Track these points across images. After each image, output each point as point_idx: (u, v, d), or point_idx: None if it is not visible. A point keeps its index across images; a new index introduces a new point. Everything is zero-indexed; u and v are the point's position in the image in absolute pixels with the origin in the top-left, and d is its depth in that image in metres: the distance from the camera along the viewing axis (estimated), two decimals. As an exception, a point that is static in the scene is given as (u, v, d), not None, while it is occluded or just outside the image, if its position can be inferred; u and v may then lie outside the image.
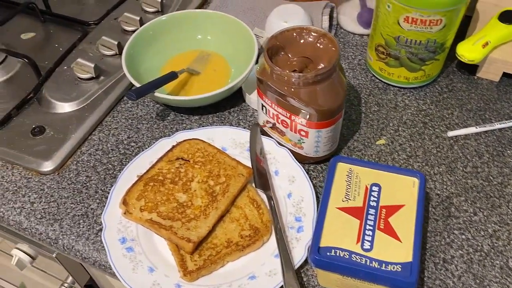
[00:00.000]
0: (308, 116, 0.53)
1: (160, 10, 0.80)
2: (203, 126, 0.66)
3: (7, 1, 0.84)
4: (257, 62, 0.69)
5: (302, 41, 0.55)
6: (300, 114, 0.53)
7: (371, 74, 0.71)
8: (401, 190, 0.48)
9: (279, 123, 0.57)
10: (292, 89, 0.51)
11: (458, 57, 0.66)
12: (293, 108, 0.53)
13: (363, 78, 0.71)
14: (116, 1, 0.83)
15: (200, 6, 0.84)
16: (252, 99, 0.67)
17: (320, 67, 0.53)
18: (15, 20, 0.79)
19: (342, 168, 0.50)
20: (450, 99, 0.68)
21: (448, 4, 0.56)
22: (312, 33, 0.54)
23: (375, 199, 0.47)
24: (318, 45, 0.54)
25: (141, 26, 0.75)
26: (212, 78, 0.71)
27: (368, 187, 0.48)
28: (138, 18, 0.76)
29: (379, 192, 0.48)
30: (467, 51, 0.65)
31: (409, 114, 0.66)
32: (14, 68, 0.73)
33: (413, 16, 0.58)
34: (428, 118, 0.65)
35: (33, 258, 0.75)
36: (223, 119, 0.67)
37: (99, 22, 0.79)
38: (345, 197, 0.48)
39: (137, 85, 0.62)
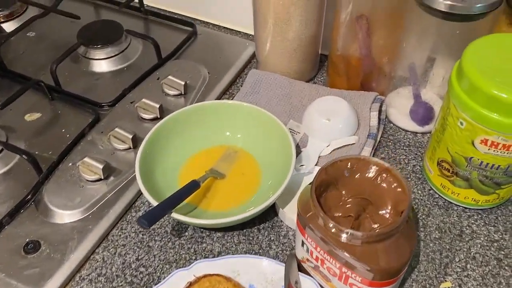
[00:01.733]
0: (364, 274, 0.41)
1: (183, 93, 0.71)
2: (226, 248, 0.55)
3: (14, 73, 0.76)
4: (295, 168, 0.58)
5: (358, 175, 0.44)
6: (353, 269, 0.42)
7: (429, 186, 0.60)
8: None
9: (323, 268, 0.46)
10: (343, 243, 0.40)
11: (541, 179, 0.54)
12: (344, 261, 0.42)
13: (419, 191, 0.60)
14: (134, 78, 0.74)
15: (228, 88, 0.74)
16: (287, 215, 0.56)
17: (382, 212, 0.42)
18: (20, 97, 0.70)
19: None
20: (528, 227, 0.56)
21: (541, 130, 0.45)
22: (372, 167, 0.43)
23: None
24: (379, 182, 0.43)
25: (160, 114, 0.66)
26: (240, 184, 0.60)
27: None
28: (158, 106, 0.66)
29: None
30: (554, 174, 0.53)
31: (479, 245, 0.54)
32: (12, 160, 0.64)
33: (494, 140, 0.47)
34: (502, 253, 0.53)
35: None
36: (251, 238, 0.56)
37: (114, 105, 0.70)
38: None
39: (154, 203, 0.52)
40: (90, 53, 0.78)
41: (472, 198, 0.55)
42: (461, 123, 0.49)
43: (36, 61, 0.79)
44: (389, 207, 0.42)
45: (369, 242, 0.39)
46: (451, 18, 0.53)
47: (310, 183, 0.43)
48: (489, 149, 0.48)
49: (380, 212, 0.42)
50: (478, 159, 0.50)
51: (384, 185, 0.43)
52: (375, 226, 0.41)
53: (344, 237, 0.39)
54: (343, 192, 0.43)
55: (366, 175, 0.43)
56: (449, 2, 0.51)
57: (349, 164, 0.43)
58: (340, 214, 0.42)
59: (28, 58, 0.80)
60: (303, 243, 0.47)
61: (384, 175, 0.43)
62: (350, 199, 0.43)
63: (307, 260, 0.48)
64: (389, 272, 0.41)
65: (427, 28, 0.56)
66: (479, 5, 0.51)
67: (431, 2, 0.52)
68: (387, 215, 0.42)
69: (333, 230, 0.39)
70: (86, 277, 0.53)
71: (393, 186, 0.42)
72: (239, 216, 0.51)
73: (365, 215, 0.42)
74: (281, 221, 0.57)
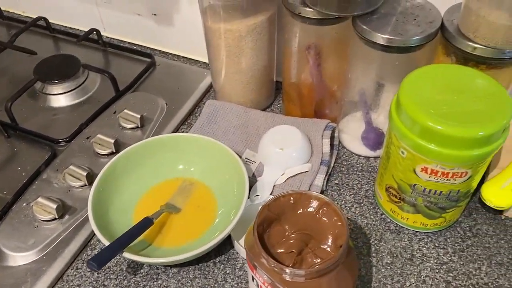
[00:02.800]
0: (309, 308, 0.42)
1: (139, 126, 0.71)
2: (181, 284, 0.55)
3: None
4: (248, 197, 0.59)
5: (300, 210, 0.45)
6: (298, 303, 0.42)
7: (381, 211, 0.61)
8: None
9: (273, 303, 0.46)
10: (288, 281, 0.41)
11: (484, 201, 0.56)
12: (290, 296, 0.42)
13: (372, 216, 0.61)
14: (92, 110, 0.74)
15: (186, 119, 0.75)
16: (242, 247, 0.56)
17: (323, 245, 0.43)
18: (-25, 136, 0.70)
19: None
20: (475, 248, 0.57)
21: (475, 159, 0.47)
22: (313, 201, 0.44)
23: None
24: (320, 216, 0.44)
25: (116, 148, 0.67)
26: (195, 217, 0.60)
27: None
28: (113, 141, 0.67)
29: None
30: (495, 196, 0.56)
31: (429, 268, 0.56)
32: (-35, 202, 0.63)
33: (433, 168, 0.49)
34: (451, 275, 0.55)
35: None
36: (206, 273, 0.56)
37: (70, 140, 0.70)
38: None
39: (105, 242, 0.52)
40: (47, 88, 0.78)
41: (421, 222, 0.57)
42: (402, 152, 0.51)
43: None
44: (330, 241, 0.43)
45: (312, 278, 0.40)
46: (390, 50, 0.55)
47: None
48: (429, 177, 0.50)
49: (322, 246, 0.43)
50: (421, 186, 0.52)
51: (325, 219, 0.44)
52: (317, 260, 0.42)
53: (286, 275, 0.40)
54: (287, 227, 0.44)
55: (308, 209, 0.44)
56: (387, 36, 0.53)
57: (292, 199, 0.44)
58: (283, 250, 0.43)
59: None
60: (253, 278, 0.47)
61: (324, 208, 0.44)
62: (293, 234, 0.43)
63: (259, 293, 0.49)
64: (333, 305, 0.41)
65: (371, 58, 0.58)
66: (415, 37, 0.53)
67: (371, 36, 0.54)
68: (329, 249, 0.43)
69: (275, 269, 0.40)
70: (39, 321, 0.53)
71: (333, 220, 0.43)
72: (191, 253, 0.51)
73: (307, 250, 0.43)
74: (237, 253, 0.58)
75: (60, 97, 0.78)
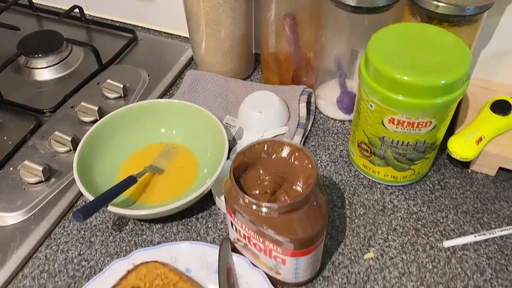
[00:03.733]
0: (283, 245, 0.45)
1: (123, 96, 0.73)
2: (165, 238, 0.58)
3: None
4: (228, 157, 0.62)
5: (274, 156, 0.47)
6: (275, 242, 0.45)
7: (354, 168, 0.65)
8: None
9: (251, 245, 0.49)
10: (263, 217, 0.44)
11: (450, 154, 0.60)
12: (266, 235, 0.45)
13: (346, 173, 0.64)
14: (75, 83, 0.76)
15: (167, 90, 0.77)
16: (223, 203, 0.59)
17: (295, 187, 0.46)
18: (-39, 109, 0.72)
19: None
20: (443, 199, 0.61)
21: (438, 107, 0.50)
22: (285, 147, 0.47)
23: None
24: (293, 160, 0.47)
25: (100, 116, 0.69)
26: (178, 178, 0.63)
27: None
28: (96, 108, 0.69)
29: None
30: (460, 148, 0.59)
31: (399, 218, 0.59)
32: (-47, 169, 0.65)
33: (399, 118, 0.52)
34: (420, 223, 0.58)
35: None
36: (189, 227, 0.59)
37: (55, 110, 0.72)
38: None
39: (90, 198, 0.54)
40: (31, 62, 0.79)
41: (391, 175, 0.60)
42: (371, 106, 0.54)
43: (-23, 73, 0.80)
44: (301, 182, 0.46)
45: (284, 213, 0.43)
46: (359, 11, 0.58)
47: (232, 166, 0.46)
48: (396, 127, 0.53)
49: (294, 187, 0.46)
50: (390, 138, 0.55)
51: (297, 163, 0.47)
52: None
53: (261, 210, 0.43)
54: (261, 171, 0.47)
55: (281, 155, 0.47)
56: (356, -3, 0.56)
57: (266, 146, 0.47)
58: (258, 192, 0.45)
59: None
60: (232, 224, 0.50)
61: (296, 154, 0.47)
62: (267, 177, 0.46)
63: (238, 240, 0.51)
64: (306, 240, 0.44)
65: (342, 21, 0.61)
66: (383, -2, 0.56)
67: (340, -2, 0.57)
68: (300, 189, 0.45)
69: (250, 204, 0.43)
70: (28, 274, 0.55)
71: (304, 163, 0.46)
72: (174, 205, 0.54)
73: (281, 191, 0.46)
74: (218, 209, 0.61)
75: (44, 71, 0.79)
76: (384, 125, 0.54)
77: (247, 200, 0.42)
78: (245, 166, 0.47)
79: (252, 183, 0.46)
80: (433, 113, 0.51)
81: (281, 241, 0.44)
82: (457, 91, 0.50)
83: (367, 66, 0.53)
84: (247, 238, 0.49)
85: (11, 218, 0.59)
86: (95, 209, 0.53)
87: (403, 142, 0.55)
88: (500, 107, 0.61)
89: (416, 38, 0.53)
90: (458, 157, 0.59)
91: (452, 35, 0.53)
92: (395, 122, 0.53)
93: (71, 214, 0.60)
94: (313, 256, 0.47)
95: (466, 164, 0.64)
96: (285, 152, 0.47)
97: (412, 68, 0.49)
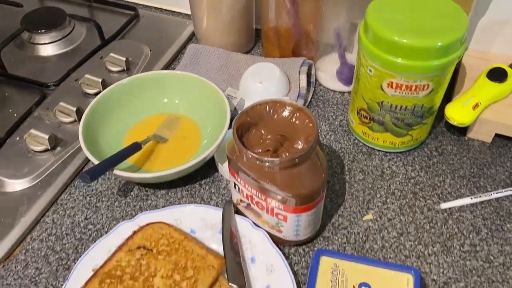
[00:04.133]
0: (285, 201, 0.46)
1: (125, 69, 0.75)
2: (170, 202, 0.59)
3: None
4: (230, 127, 0.63)
5: (276, 116, 0.49)
6: (276, 197, 0.47)
7: (354, 136, 0.66)
8: (394, 290, 0.42)
9: (253, 204, 0.51)
10: (266, 173, 0.45)
11: (447, 120, 0.61)
12: (268, 191, 0.47)
13: (345, 142, 0.65)
14: (78, 58, 0.77)
15: (169, 64, 0.78)
16: (225, 169, 0.60)
17: (296, 145, 0.47)
18: (-34, 83, 0.73)
19: (326, 264, 0.44)
20: (440, 164, 0.62)
21: (435, 69, 0.51)
22: (287, 107, 0.48)
23: (365, 304, 0.41)
24: (294, 120, 0.48)
25: (103, 88, 0.70)
26: (181, 146, 0.64)
27: (356, 287, 0.42)
28: (100, 80, 0.70)
29: (369, 294, 0.41)
30: (457, 113, 0.60)
31: (397, 183, 0.60)
32: (-40, 139, 0.66)
33: (398, 82, 0.53)
34: (418, 187, 0.60)
35: None
36: (193, 193, 0.60)
37: (59, 84, 0.73)
38: (330, 302, 0.41)
39: (95, 161, 0.55)
40: (34, 38, 0.80)
41: (390, 141, 0.61)
42: (370, 70, 0.55)
43: (-19, 50, 0.81)
44: (302, 141, 0.47)
45: (286, 168, 0.44)
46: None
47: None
48: (395, 91, 0.54)
49: (295, 146, 0.47)
50: (388, 102, 0.56)
51: (298, 122, 0.48)
52: (291, 157, 0.46)
53: (264, 165, 0.44)
54: (263, 131, 0.48)
55: (283, 115, 0.49)
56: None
57: (268, 106, 0.49)
58: (260, 150, 0.47)
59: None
60: (235, 185, 0.52)
61: (297, 113, 0.48)
62: (269, 137, 0.48)
63: (241, 201, 0.53)
64: (307, 195, 0.46)
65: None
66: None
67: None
68: (301, 148, 0.47)
69: (253, 160, 0.44)
70: (37, 237, 0.56)
71: (305, 123, 0.47)
72: (178, 168, 0.55)
73: (282, 149, 0.47)
74: (221, 176, 0.62)
75: (47, 47, 0.80)
76: (383, 90, 0.55)
77: (250, 156, 0.44)
78: (247, 126, 0.48)
79: (255, 142, 0.48)
80: (430, 76, 0.52)
81: (283, 197, 0.46)
82: (453, 54, 0.51)
83: (366, 31, 0.54)
84: (249, 198, 0.50)
85: (19, 185, 0.60)
86: (101, 172, 0.54)
87: (401, 106, 0.56)
88: (496, 74, 0.62)
89: (414, 3, 0.54)
90: (455, 123, 0.60)
91: (449, 0, 0.54)
92: (394, 86, 0.54)
93: (78, 176, 0.61)
94: (313, 213, 0.49)
95: (463, 132, 0.65)
96: (286, 112, 0.48)
97: (410, 31, 0.51)
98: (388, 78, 0.54)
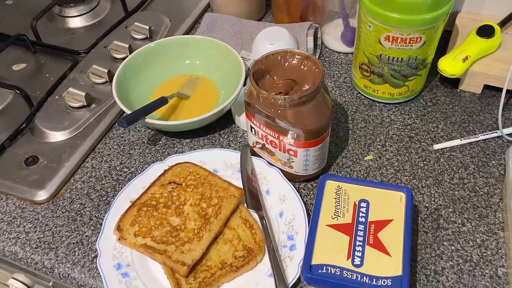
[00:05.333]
0: (295, 136, 0.54)
1: (149, 37, 0.82)
2: (194, 149, 0.67)
3: (-2, 33, 0.86)
4: (245, 84, 0.71)
5: (286, 64, 0.56)
6: (287, 134, 0.54)
7: (356, 91, 0.73)
8: (389, 205, 0.49)
9: (268, 144, 0.58)
10: (279, 111, 0.53)
11: (440, 72, 0.68)
12: (281, 129, 0.54)
13: (349, 96, 0.73)
14: (105, 29, 0.85)
15: (187, 32, 0.86)
16: (242, 120, 0.68)
17: (305, 88, 0.55)
18: (7, 52, 0.81)
19: (331, 186, 0.51)
20: (434, 113, 0.69)
21: (426, 22, 0.58)
22: (296, 56, 0.56)
23: (364, 215, 0.48)
24: (302, 67, 0.56)
25: (130, 53, 0.77)
26: (202, 102, 0.72)
27: (357, 203, 0.50)
28: (127, 46, 0.78)
29: (367, 208, 0.49)
30: (448, 66, 0.67)
31: (395, 129, 0.68)
32: (6, 99, 0.74)
33: (394, 35, 0.60)
34: (414, 132, 0.67)
35: (29, 287, 0.75)
36: (214, 141, 0.68)
37: (89, 51, 0.81)
38: (335, 214, 0.49)
39: (128, 112, 0.63)
40: (64, 11, 0.88)
41: (389, 93, 0.69)
42: (369, 26, 0.62)
43: (16, 24, 0.89)
44: (310, 84, 0.54)
45: (294, 106, 0.52)
46: None
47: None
48: (392, 44, 0.62)
49: (303, 89, 0.55)
50: (386, 55, 0.63)
51: (306, 68, 0.55)
52: (301, 98, 0.54)
53: (277, 102, 0.51)
54: (275, 78, 0.56)
55: (293, 62, 0.56)
56: None
57: (279, 56, 0.56)
58: (273, 93, 0.54)
59: (8, 22, 0.90)
60: (251, 128, 0.59)
61: (305, 61, 0.55)
62: (281, 82, 0.55)
63: (256, 143, 0.61)
64: (314, 131, 0.53)
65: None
66: None
67: None
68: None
69: (267, 99, 0.52)
70: (79, 179, 0.65)
71: (312, 69, 0.55)
72: (201, 116, 0.63)
73: (292, 91, 0.55)
74: (238, 126, 0.70)
75: (76, 19, 0.88)
76: (381, 43, 0.62)
77: (265, 95, 0.51)
78: (262, 73, 0.56)
79: (268, 86, 0.55)
80: (422, 29, 0.59)
81: (293, 132, 0.54)
82: (442, 9, 0.58)
83: (365, -8, 0.61)
84: (264, 138, 0.58)
85: (61, 135, 0.68)
86: (135, 119, 0.62)
87: (397, 58, 0.63)
88: (485, 31, 0.69)
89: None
90: (447, 74, 0.67)
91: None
92: (390, 39, 0.61)
93: (116, 121, 0.69)
94: (320, 148, 0.56)
95: (455, 85, 0.72)
96: (296, 60, 0.56)
97: (404, -10, 0.58)
98: (385, 32, 0.61)
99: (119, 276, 0.53)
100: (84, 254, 0.57)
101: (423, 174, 0.62)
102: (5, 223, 0.60)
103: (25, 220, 0.60)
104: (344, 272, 0.44)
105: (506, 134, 0.64)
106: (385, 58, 0.64)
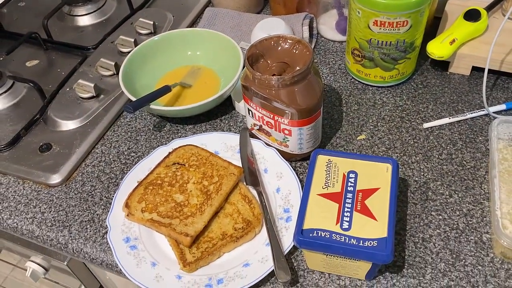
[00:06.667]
0: (289, 116, 0.58)
1: (153, 32, 0.87)
2: (196, 134, 0.71)
3: (11, 33, 0.91)
4: (244, 72, 0.75)
5: (279, 48, 0.60)
6: (282, 114, 0.58)
7: (350, 76, 0.77)
8: (376, 175, 0.53)
9: (265, 125, 0.62)
10: (273, 92, 0.56)
11: (429, 55, 0.71)
12: (276, 109, 0.58)
13: (343, 81, 0.76)
14: (112, 26, 0.90)
15: (190, 26, 0.90)
16: (241, 106, 0.72)
17: (296, 69, 0.59)
18: (20, 50, 0.86)
19: (322, 160, 0.55)
20: (425, 94, 0.73)
21: (411, 6, 0.62)
22: (288, 41, 0.60)
23: (352, 184, 0.52)
24: (294, 51, 0.59)
25: (135, 47, 0.82)
26: (203, 90, 0.76)
27: (346, 174, 0.53)
28: (133, 40, 0.82)
29: (355, 178, 0.53)
30: (436, 48, 0.70)
31: (387, 110, 0.71)
32: (21, 93, 0.79)
33: (381, 20, 0.64)
34: (405, 113, 0.70)
35: (46, 269, 0.80)
36: (215, 126, 0.72)
37: (97, 46, 0.86)
38: (325, 185, 0.52)
39: (134, 99, 0.68)
40: (73, 10, 0.93)
41: (380, 76, 0.72)
42: (358, 13, 0.66)
43: (29, 24, 0.94)
44: (301, 66, 0.58)
45: (287, 85, 0.55)
46: None
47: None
48: (380, 28, 0.65)
49: (295, 70, 0.59)
50: (375, 39, 0.67)
51: (297, 52, 0.59)
52: (293, 80, 0.58)
53: (271, 83, 0.55)
54: (269, 61, 0.60)
55: (285, 47, 0.60)
56: None
57: (272, 41, 0.60)
58: (267, 75, 0.58)
59: (21, 22, 0.96)
60: (249, 111, 0.63)
61: (297, 45, 0.59)
62: (274, 65, 0.59)
63: (254, 125, 0.64)
64: (306, 110, 0.57)
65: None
66: None
67: None
68: (300, 71, 0.58)
69: (262, 80, 0.55)
70: (89, 164, 0.69)
71: (303, 52, 0.59)
72: (203, 102, 0.67)
73: (285, 74, 0.58)
74: (238, 112, 0.74)
75: (84, 18, 0.93)
76: (370, 28, 0.66)
77: (259, 77, 0.55)
78: (256, 57, 0.60)
79: (263, 69, 0.59)
80: (407, 13, 0.63)
81: (287, 111, 0.57)
82: (426, -7, 0.62)
83: (354, -20, 0.65)
84: (261, 119, 0.62)
85: (72, 124, 0.73)
86: (141, 105, 0.66)
87: (386, 42, 0.67)
88: (471, 15, 0.72)
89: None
90: (435, 57, 0.71)
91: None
92: (378, 24, 0.65)
93: (123, 107, 0.73)
94: (312, 127, 0.60)
95: (445, 68, 0.76)
96: (288, 45, 0.60)
97: (389, -24, 0.61)
98: (373, 17, 0.64)
99: (127, 249, 0.57)
100: (95, 231, 0.61)
101: (413, 151, 0.65)
102: (23, 204, 0.65)
103: (41, 202, 0.65)
104: (333, 235, 0.48)
105: (493, 112, 0.67)
106: (374, 42, 0.67)
